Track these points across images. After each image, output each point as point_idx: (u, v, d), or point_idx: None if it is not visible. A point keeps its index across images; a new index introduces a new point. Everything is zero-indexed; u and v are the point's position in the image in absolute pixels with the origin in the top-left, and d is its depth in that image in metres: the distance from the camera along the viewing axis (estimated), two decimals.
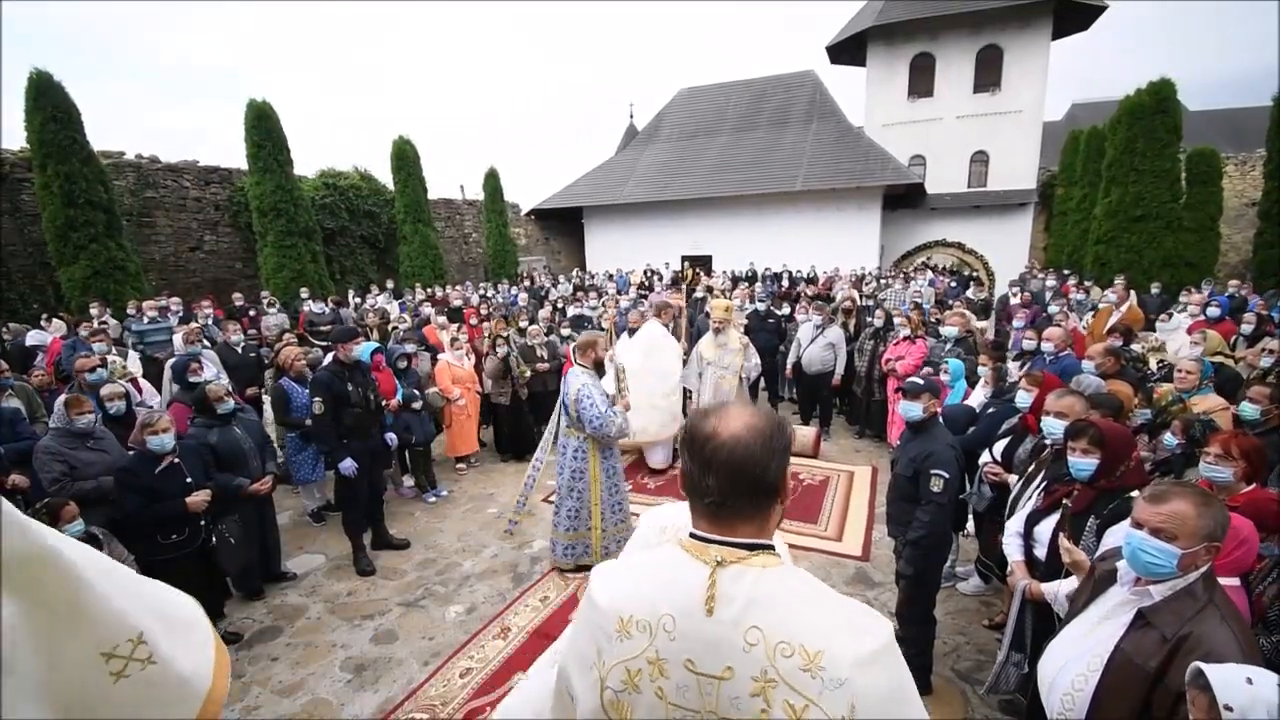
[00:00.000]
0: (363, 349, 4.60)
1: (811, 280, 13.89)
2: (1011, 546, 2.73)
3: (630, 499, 5.46)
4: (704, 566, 0.94)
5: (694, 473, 0.97)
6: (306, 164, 29.70)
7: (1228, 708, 1.25)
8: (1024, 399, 3.56)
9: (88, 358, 4.92)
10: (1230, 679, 1.28)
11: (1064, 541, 2.35)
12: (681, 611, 0.93)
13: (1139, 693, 1.54)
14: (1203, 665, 1.33)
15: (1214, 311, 7.02)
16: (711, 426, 0.96)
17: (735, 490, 0.94)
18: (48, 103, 9.21)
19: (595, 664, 0.99)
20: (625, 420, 4.20)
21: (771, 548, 0.97)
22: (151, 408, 4.94)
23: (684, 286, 8.21)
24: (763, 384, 7.56)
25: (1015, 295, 9.67)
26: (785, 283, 14.24)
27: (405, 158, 15.11)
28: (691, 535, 0.99)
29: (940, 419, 3.24)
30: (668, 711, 0.94)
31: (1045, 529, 2.58)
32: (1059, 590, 2.26)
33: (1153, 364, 4.93)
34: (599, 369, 4.25)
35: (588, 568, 4.26)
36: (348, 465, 4.26)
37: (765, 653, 0.88)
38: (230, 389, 4.35)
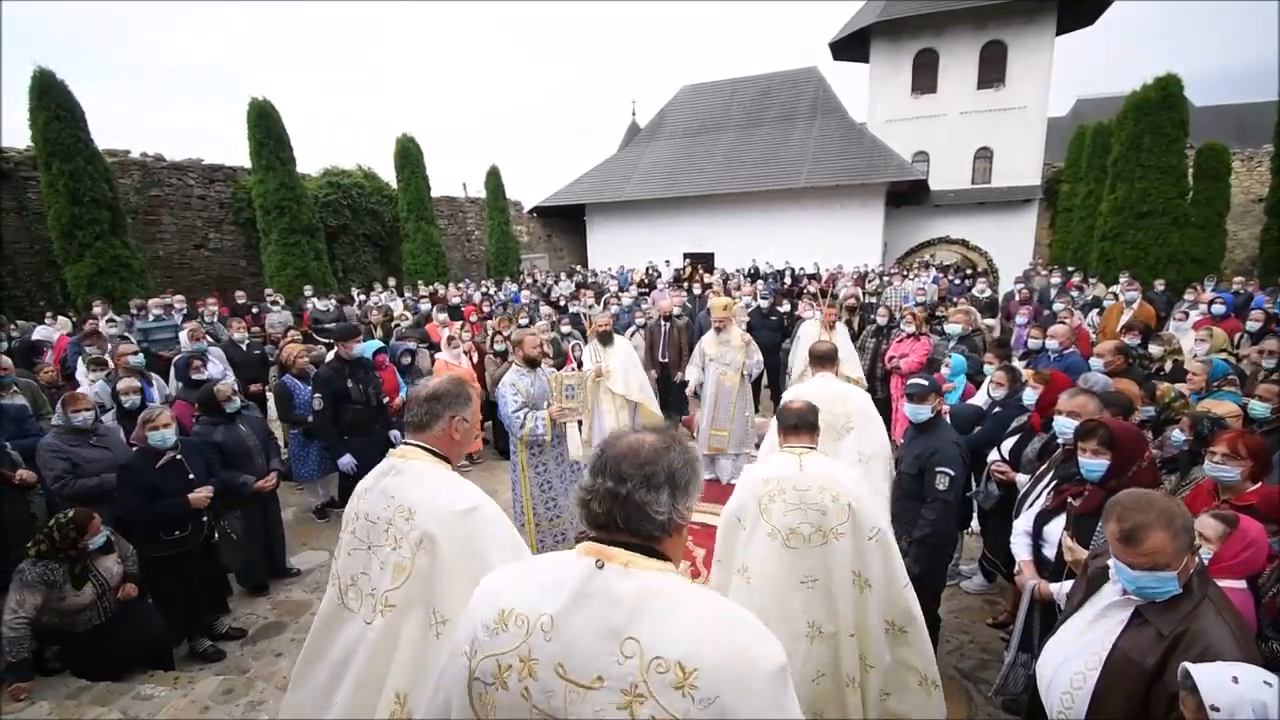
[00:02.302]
0: (364, 346, 4.61)
1: (814, 277, 13.85)
2: (1020, 546, 2.71)
3: None
4: None
5: None
6: (310, 162, 29.63)
7: (1214, 708, 1.25)
8: (1030, 396, 3.54)
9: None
10: (1216, 679, 1.28)
11: (1067, 540, 2.34)
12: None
13: (1138, 690, 1.54)
14: (1190, 666, 1.33)
15: (1219, 309, 6.97)
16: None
17: None
18: (51, 101, 9.23)
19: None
20: (541, 426, 4.03)
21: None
22: (168, 395, 5.05)
23: (684, 284, 8.19)
24: (765, 381, 7.52)
25: (1018, 292, 9.60)
26: (788, 280, 14.20)
27: (409, 156, 15.12)
28: None
29: (946, 417, 3.23)
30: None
31: (1054, 529, 2.56)
32: (1065, 591, 2.25)
33: (1169, 365, 4.86)
34: (531, 365, 4.21)
35: None
36: (346, 461, 4.27)
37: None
38: (236, 387, 4.36)
